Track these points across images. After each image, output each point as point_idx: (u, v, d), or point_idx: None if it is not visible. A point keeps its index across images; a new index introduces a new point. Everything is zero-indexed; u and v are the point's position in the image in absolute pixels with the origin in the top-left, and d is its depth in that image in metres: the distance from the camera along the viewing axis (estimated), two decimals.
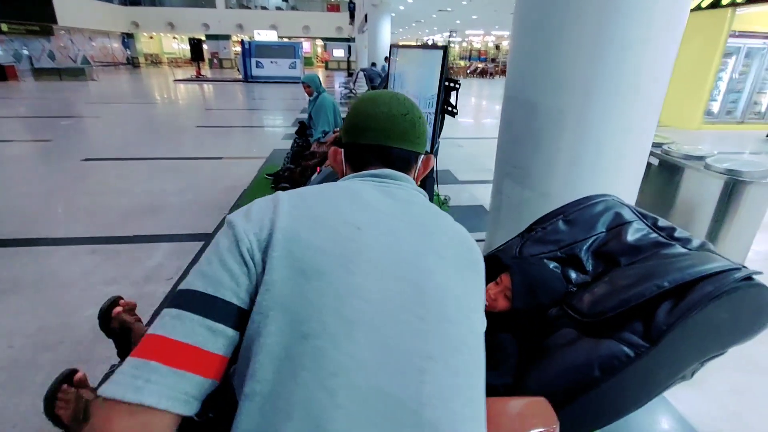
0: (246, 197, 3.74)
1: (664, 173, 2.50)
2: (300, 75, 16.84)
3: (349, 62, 21.83)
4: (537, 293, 1.01)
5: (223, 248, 0.55)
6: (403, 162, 0.74)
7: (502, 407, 0.78)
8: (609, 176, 1.81)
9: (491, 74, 24.87)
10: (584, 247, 1.10)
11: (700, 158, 2.25)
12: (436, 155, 1.54)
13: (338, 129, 3.68)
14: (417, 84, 1.65)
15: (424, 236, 0.63)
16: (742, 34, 7.42)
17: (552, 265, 1.08)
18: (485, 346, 0.90)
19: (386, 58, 12.42)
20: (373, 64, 11.67)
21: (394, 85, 2.00)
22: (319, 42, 28.78)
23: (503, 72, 22.78)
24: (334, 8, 26.16)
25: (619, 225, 1.11)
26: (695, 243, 1.00)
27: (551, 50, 1.66)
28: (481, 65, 26.28)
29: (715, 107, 8.23)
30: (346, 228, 0.58)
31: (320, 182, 2.53)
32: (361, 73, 11.28)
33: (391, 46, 2.01)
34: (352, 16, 19.55)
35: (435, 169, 2.02)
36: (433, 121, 1.40)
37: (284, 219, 0.56)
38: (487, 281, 1.08)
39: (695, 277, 0.83)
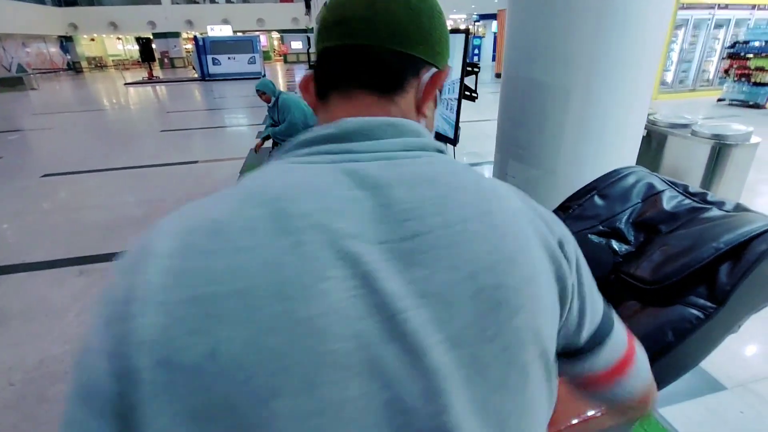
0: None
1: (650, 142, 2.62)
2: (260, 70, 16.30)
3: (309, 54, 21.32)
4: (590, 268, 1.04)
5: (74, 401, 0.28)
6: (390, 76, 0.41)
7: None
8: (612, 149, 1.87)
9: None
10: (623, 219, 1.14)
11: (686, 126, 2.37)
12: (455, 144, 1.53)
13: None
14: None
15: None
16: (690, 6, 7.83)
17: (596, 239, 1.11)
18: None
19: None
20: None
21: None
22: (275, 35, 27.92)
23: None
24: (288, 0, 25.41)
25: (653, 195, 1.15)
26: (729, 205, 1.05)
27: (555, 28, 1.68)
28: None
29: (669, 77, 8.69)
30: (284, 304, 0.28)
31: None
32: None
33: None
34: (308, 6, 19.05)
35: None
36: (456, 107, 1.39)
37: (152, 312, 0.27)
38: None
39: (747, 237, 0.87)
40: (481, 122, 3.92)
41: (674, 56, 8.46)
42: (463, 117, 1.53)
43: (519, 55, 1.92)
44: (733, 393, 1.53)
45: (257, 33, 21.11)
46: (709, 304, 0.85)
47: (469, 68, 1.36)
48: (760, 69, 7.19)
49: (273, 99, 3.45)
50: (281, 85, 13.97)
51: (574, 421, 0.70)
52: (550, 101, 1.83)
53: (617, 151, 1.86)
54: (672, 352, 0.85)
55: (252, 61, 16.46)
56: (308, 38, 22.51)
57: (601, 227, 1.13)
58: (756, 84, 7.25)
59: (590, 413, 0.74)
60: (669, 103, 8.19)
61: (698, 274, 0.89)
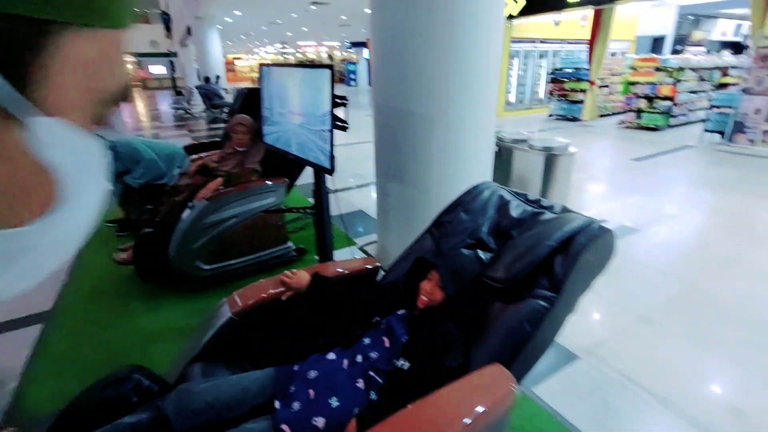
0: (90, 254, 3.07)
1: (501, 156, 3.07)
2: None
3: (174, 79, 19.64)
4: (461, 277, 1.16)
5: None
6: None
7: (468, 385, 0.89)
8: (471, 167, 2.14)
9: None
10: (484, 230, 1.31)
11: (524, 141, 2.84)
12: (332, 172, 1.57)
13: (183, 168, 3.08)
14: (303, 103, 1.66)
15: None
16: (519, 40, 9.50)
17: (467, 252, 1.25)
18: (434, 339, 0.99)
19: (218, 77, 11.59)
20: (206, 79, 10.79)
21: (272, 105, 1.95)
22: (130, 58, 25.03)
23: (341, 80, 23.85)
24: (143, 20, 23.11)
25: (503, 205, 1.35)
26: (558, 207, 1.30)
27: (414, 62, 1.88)
28: None
29: (512, 98, 10.35)
30: None
31: (196, 218, 2.27)
32: (196, 91, 10.32)
33: (261, 65, 1.95)
34: (168, 29, 17.61)
35: (322, 188, 1.99)
36: (329, 139, 1.44)
37: None
38: (418, 280, 1.19)
39: (571, 233, 1.08)
40: (363, 144, 4.14)
41: (513, 81, 10.12)
42: (346, 140, 1.59)
43: (385, 87, 2.09)
44: (585, 360, 1.85)
45: None
46: (550, 294, 1.02)
47: (337, 100, 1.43)
48: (573, 90, 9.06)
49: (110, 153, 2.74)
50: (141, 116, 12.59)
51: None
52: (417, 128, 2.01)
53: (476, 167, 2.13)
54: (532, 340, 1.00)
55: None
56: (171, 63, 20.83)
57: (468, 240, 1.28)
58: (572, 102, 9.10)
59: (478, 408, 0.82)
60: (513, 119, 9.74)
61: (540, 269, 1.07)
